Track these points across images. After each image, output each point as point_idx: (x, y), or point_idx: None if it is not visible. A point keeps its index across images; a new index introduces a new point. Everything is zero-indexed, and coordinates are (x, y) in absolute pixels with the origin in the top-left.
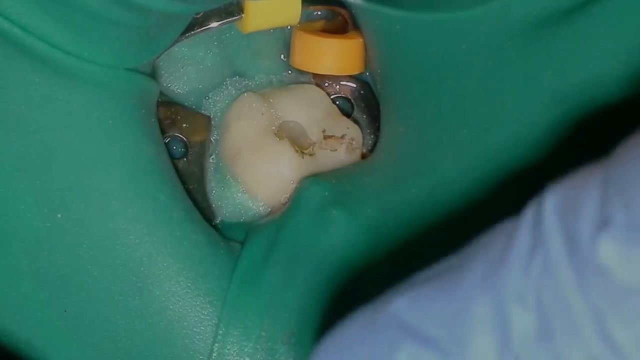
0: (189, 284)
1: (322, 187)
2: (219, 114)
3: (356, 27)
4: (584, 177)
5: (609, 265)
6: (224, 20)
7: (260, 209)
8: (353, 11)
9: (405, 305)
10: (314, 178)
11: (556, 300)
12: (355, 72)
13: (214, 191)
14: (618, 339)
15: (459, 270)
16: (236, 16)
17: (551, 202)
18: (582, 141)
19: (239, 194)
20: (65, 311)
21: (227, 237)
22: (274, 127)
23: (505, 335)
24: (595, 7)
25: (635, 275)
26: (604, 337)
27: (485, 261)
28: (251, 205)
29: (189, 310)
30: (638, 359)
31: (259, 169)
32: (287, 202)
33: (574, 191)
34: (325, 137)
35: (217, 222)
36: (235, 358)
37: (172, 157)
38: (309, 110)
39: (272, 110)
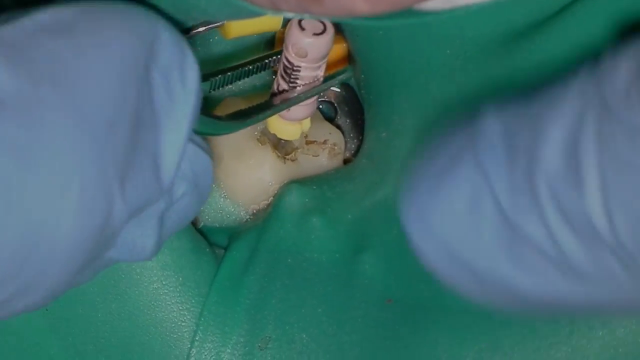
0: (167, 291)
1: (303, 194)
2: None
3: (340, 32)
4: None
5: None
6: (208, 26)
7: (242, 214)
8: None
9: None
10: (295, 185)
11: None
12: None
13: None
14: None
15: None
16: (219, 22)
17: None
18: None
19: (221, 199)
20: (47, 310)
21: (210, 242)
22: (256, 133)
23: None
24: (570, 12)
25: None
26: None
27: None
28: (233, 210)
29: (167, 315)
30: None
31: (241, 175)
32: (268, 208)
33: None
34: (307, 142)
35: (200, 227)
36: None
37: None
38: None
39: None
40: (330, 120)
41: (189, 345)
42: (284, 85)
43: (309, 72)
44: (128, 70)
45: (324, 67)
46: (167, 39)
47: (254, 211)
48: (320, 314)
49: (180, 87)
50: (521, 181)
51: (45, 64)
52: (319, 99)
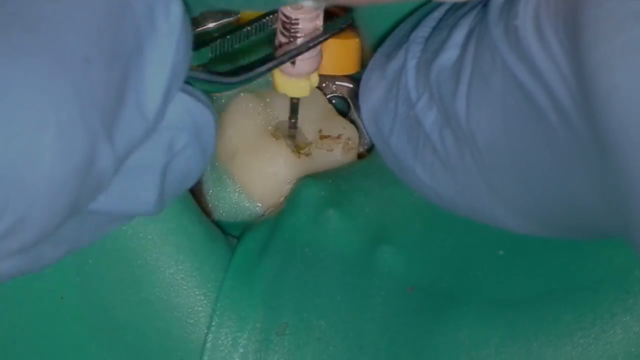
0: (184, 276)
1: (319, 187)
2: (215, 114)
3: (353, 28)
4: None
5: None
6: (221, 21)
7: (256, 209)
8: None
9: None
10: (310, 178)
11: None
12: (351, 71)
13: (210, 191)
14: None
15: None
16: (232, 16)
17: None
18: None
19: (235, 194)
20: (62, 297)
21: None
22: (270, 127)
23: None
24: None
25: None
26: None
27: None
28: (247, 205)
29: (183, 300)
30: None
31: (256, 170)
32: (283, 203)
33: None
34: (322, 137)
35: (215, 220)
36: (229, 348)
37: None
38: (305, 110)
39: (268, 110)
40: (344, 115)
41: (206, 331)
42: (285, 42)
43: (308, 23)
44: (103, 7)
45: (321, 16)
46: None
47: (270, 207)
48: (339, 301)
49: (164, 19)
50: (423, 67)
51: (17, 12)
52: (332, 94)
